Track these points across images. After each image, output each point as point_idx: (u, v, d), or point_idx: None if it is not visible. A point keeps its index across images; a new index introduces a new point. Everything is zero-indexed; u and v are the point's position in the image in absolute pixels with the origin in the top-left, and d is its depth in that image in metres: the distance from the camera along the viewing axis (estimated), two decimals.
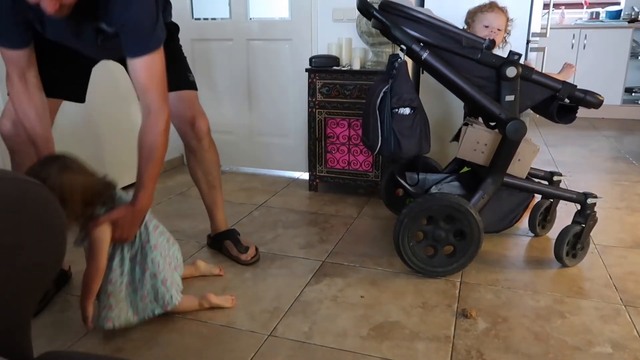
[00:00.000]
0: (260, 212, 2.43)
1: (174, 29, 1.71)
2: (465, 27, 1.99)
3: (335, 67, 2.54)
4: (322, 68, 2.53)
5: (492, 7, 1.94)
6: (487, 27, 1.92)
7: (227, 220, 1.98)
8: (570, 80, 1.77)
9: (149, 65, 1.29)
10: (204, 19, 3.02)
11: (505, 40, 2.00)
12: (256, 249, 1.91)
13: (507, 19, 1.96)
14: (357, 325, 1.48)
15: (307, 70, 2.56)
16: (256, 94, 3.02)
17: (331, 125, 2.58)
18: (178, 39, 1.75)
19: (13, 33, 1.27)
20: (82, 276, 1.34)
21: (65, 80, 1.55)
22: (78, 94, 1.62)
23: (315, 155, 2.66)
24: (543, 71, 2.03)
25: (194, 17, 3.02)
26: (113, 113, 2.59)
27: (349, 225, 2.27)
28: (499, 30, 1.93)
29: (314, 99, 2.57)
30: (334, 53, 2.61)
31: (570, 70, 1.99)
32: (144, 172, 1.38)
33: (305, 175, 2.96)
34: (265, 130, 3.07)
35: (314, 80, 2.55)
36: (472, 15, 1.97)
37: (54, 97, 1.50)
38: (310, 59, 2.55)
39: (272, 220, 2.33)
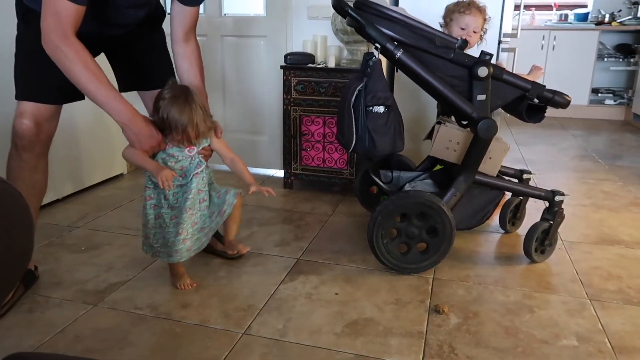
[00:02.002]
0: None
1: (162, 15, 1.71)
2: (442, 24, 1.98)
3: (310, 65, 2.54)
4: (297, 65, 2.52)
5: (470, 8, 1.90)
6: (463, 29, 1.90)
7: None
8: (539, 81, 1.81)
9: (197, 12, 1.63)
10: None
11: (481, 39, 1.98)
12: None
13: (485, 19, 1.94)
14: (332, 322, 1.49)
15: (282, 67, 2.55)
16: (230, 91, 3.00)
17: (306, 123, 2.58)
18: (163, 30, 1.75)
19: None
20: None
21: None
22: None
23: (290, 152, 2.66)
24: (514, 72, 2.07)
25: (167, 12, 2.97)
26: (89, 119, 2.60)
27: (324, 222, 2.27)
28: (474, 32, 1.92)
29: (289, 96, 2.57)
30: (309, 50, 2.61)
31: (538, 72, 2.00)
32: (202, 84, 1.68)
33: (280, 173, 2.95)
34: (240, 128, 3.04)
35: (289, 77, 2.55)
36: (450, 14, 1.94)
37: (70, 101, 1.59)
38: (286, 56, 2.55)
39: (247, 217, 2.32)
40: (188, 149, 1.53)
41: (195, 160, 1.56)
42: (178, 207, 1.57)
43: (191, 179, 1.56)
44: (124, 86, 1.71)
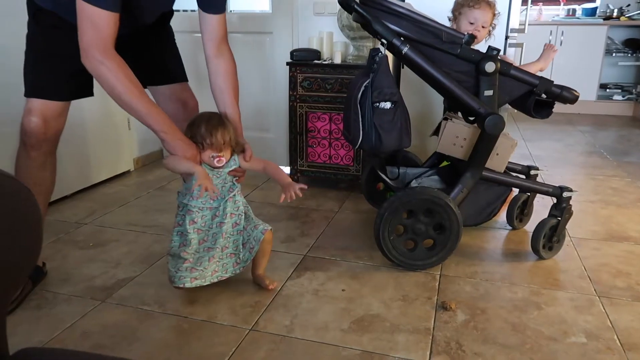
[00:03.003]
0: None
1: (169, 13, 1.71)
2: (451, 18, 1.95)
3: (316, 61, 2.53)
4: (303, 62, 2.52)
5: (480, 2, 1.87)
6: (472, 23, 1.87)
7: None
8: (547, 74, 1.79)
9: (225, 20, 1.56)
10: (184, 10, 2.98)
11: (490, 34, 1.96)
12: None
13: (494, 14, 1.91)
14: (338, 318, 1.49)
15: (288, 63, 2.55)
16: None
17: (312, 119, 2.58)
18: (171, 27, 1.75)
19: None
20: None
21: (83, 81, 1.58)
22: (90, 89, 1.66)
23: (297, 149, 2.65)
24: (521, 65, 2.05)
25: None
26: (96, 116, 2.61)
27: (330, 219, 2.27)
28: (483, 27, 1.89)
29: (295, 93, 2.56)
30: (315, 47, 2.60)
31: (550, 53, 1.95)
32: (236, 102, 1.63)
33: (286, 170, 2.94)
34: (246, 124, 2.96)
35: (295, 73, 2.54)
36: (459, 8, 1.91)
37: (78, 97, 1.59)
38: (292, 53, 2.54)
39: (253, 214, 2.31)
40: (217, 159, 1.48)
41: (228, 183, 1.54)
42: (206, 231, 1.52)
43: (225, 202, 1.52)
44: None
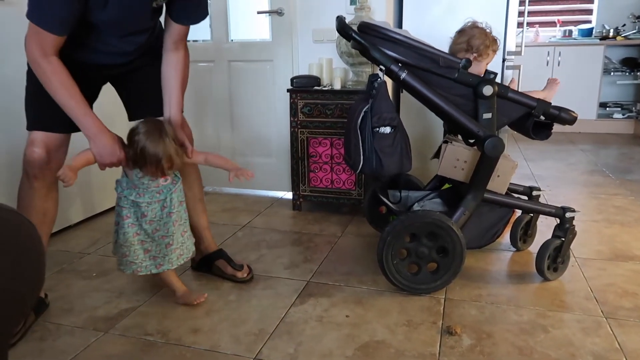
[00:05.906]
0: (244, 233, 2.42)
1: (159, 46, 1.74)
2: (474, 50, 1.87)
3: (316, 87, 2.56)
4: (304, 88, 2.55)
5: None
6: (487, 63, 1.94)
7: (214, 241, 1.97)
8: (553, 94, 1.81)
9: (187, 28, 1.66)
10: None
11: None
12: (249, 267, 1.91)
13: None
14: (343, 345, 1.47)
15: (288, 90, 2.58)
16: (238, 115, 3.03)
17: (313, 145, 2.60)
18: None
19: (73, 23, 1.38)
20: None
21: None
22: None
23: (298, 174, 2.67)
24: (519, 88, 2.07)
25: None
26: None
27: (333, 244, 2.27)
28: None
29: (296, 119, 2.59)
30: (315, 73, 2.64)
31: (554, 86, 1.98)
32: (180, 92, 1.68)
33: (288, 195, 2.96)
34: (248, 150, 3.07)
35: (296, 100, 2.57)
36: (491, 48, 1.89)
37: (78, 130, 1.60)
38: (292, 79, 2.58)
39: (256, 240, 2.32)
40: (163, 178, 1.59)
41: (171, 176, 1.62)
42: (158, 221, 1.60)
43: (172, 194, 1.62)
44: (132, 115, 1.74)
